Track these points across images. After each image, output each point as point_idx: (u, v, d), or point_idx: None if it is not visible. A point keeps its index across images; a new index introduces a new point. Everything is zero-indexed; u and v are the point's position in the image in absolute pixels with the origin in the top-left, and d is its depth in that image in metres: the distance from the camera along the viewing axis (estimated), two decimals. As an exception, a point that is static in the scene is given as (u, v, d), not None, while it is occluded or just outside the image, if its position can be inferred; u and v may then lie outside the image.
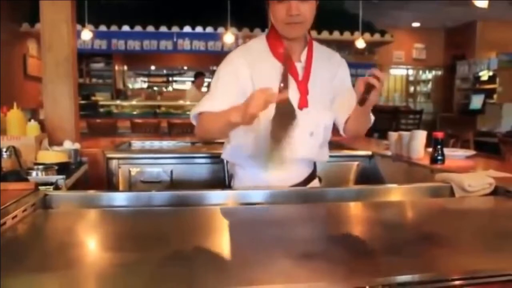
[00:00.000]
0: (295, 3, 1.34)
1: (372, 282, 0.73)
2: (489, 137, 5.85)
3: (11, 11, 6.18)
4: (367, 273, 0.80)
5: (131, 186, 2.40)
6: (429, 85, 10.67)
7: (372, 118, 1.51)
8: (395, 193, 1.49)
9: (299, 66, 1.47)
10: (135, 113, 6.85)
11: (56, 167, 1.73)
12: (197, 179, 2.43)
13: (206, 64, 8.91)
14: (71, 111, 2.58)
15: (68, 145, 2.16)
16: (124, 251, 0.91)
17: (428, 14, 8.49)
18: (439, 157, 1.92)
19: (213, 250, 0.95)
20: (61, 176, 1.66)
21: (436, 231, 1.08)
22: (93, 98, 8.00)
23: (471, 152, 2.31)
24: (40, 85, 3.25)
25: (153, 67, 10.56)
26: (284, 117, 1.22)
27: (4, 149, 1.67)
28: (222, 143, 1.66)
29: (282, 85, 1.29)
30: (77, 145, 2.20)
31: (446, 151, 2.00)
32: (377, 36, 7.64)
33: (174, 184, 2.40)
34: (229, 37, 6.62)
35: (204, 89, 7.30)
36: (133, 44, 7.20)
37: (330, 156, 1.65)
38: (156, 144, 3.13)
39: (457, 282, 0.74)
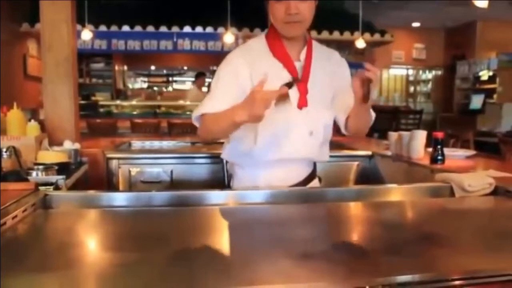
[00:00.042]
0: (294, 3, 1.35)
1: (372, 282, 0.73)
2: (489, 137, 5.84)
3: (11, 11, 6.18)
4: (367, 273, 0.80)
5: (131, 186, 2.40)
6: (429, 85, 10.67)
7: (373, 114, 1.50)
8: (395, 193, 1.49)
9: (298, 66, 1.47)
10: (135, 113, 6.85)
11: (56, 167, 1.73)
12: (197, 179, 2.43)
13: (206, 64, 8.91)
14: (71, 111, 2.58)
15: (68, 145, 2.16)
16: (124, 251, 0.91)
17: (428, 14, 8.49)
18: (439, 157, 1.92)
19: (213, 250, 0.95)
20: (61, 176, 1.66)
21: (436, 231, 1.08)
22: (93, 98, 8.00)
23: (471, 152, 2.31)
24: (40, 85, 3.25)
25: (153, 67, 10.56)
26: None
27: (4, 149, 1.66)
28: (222, 143, 1.66)
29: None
30: (77, 145, 2.20)
31: (446, 151, 2.00)
32: (377, 36, 7.63)
33: (174, 184, 2.40)
34: (229, 37, 6.62)
35: (204, 89, 7.30)
36: (133, 44, 7.20)
37: (330, 156, 1.65)
38: (156, 144, 3.13)
39: (457, 282, 0.74)
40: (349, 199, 1.42)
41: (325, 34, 7.16)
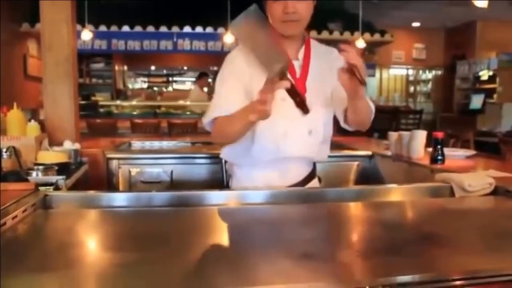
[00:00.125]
0: (291, 2, 1.35)
1: (372, 282, 0.73)
2: (489, 137, 5.84)
3: (11, 11, 6.18)
4: (367, 273, 0.80)
5: (131, 186, 2.40)
6: (429, 85, 10.67)
7: (372, 106, 1.47)
8: (395, 193, 1.49)
9: (297, 64, 1.47)
10: (135, 113, 6.85)
11: (56, 168, 1.73)
12: (197, 179, 2.43)
13: (206, 64, 8.91)
14: (71, 111, 2.58)
15: (68, 145, 2.16)
16: (124, 251, 0.91)
17: (428, 14, 8.49)
18: (439, 157, 1.92)
19: (213, 250, 0.94)
20: (61, 177, 1.66)
21: (436, 231, 1.08)
22: (93, 98, 7.99)
23: (471, 152, 2.31)
24: (40, 85, 3.25)
25: (153, 67, 10.56)
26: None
27: (4, 150, 1.67)
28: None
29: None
30: (77, 145, 2.20)
31: (446, 151, 2.00)
32: (377, 36, 7.64)
33: (174, 184, 2.40)
34: (229, 37, 6.62)
35: (206, 89, 7.31)
36: (133, 44, 7.20)
37: (330, 156, 1.65)
38: (156, 144, 3.13)
39: (457, 282, 0.74)
40: (349, 199, 1.42)
41: (325, 34, 7.16)
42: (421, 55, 10.23)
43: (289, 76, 1.40)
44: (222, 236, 1.09)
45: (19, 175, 1.50)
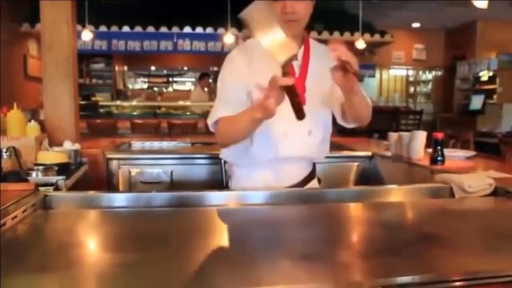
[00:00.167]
0: (290, 2, 1.35)
1: (372, 283, 0.73)
2: (489, 138, 5.84)
3: (11, 11, 6.18)
4: (367, 274, 0.80)
5: (131, 186, 2.40)
6: (429, 86, 10.66)
7: (369, 101, 1.45)
8: (395, 194, 1.49)
9: (296, 65, 1.46)
10: (135, 113, 6.85)
11: (56, 168, 1.73)
12: (197, 180, 2.43)
13: (206, 64, 8.92)
14: (71, 111, 2.58)
15: (68, 145, 2.16)
16: (124, 251, 0.91)
17: (428, 14, 8.49)
18: (439, 158, 1.92)
19: (212, 251, 0.94)
20: (61, 177, 1.66)
21: (436, 232, 1.08)
22: (93, 98, 8.00)
23: (471, 152, 2.31)
24: (40, 85, 3.25)
25: (153, 68, 10.57)
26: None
27: (4, 150, 1.67)
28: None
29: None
30: (77, 146, 2.20)
31: (446, 151, 2.00)
32: (377, 37, 7.64)
33: (174, 184, 2.40)
34: (229, 37, 6.62)
35: (206, 89, 7.32)
36: (133, 45, 7.20)
37: (330, 157, 1.65)
38: (156, 144, 3.13)
39: (457, 283, 0.74)
40: (349, 200, 1.42)
41: (325, 34, 7.16)
42: (421, 55, 10.23)
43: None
44: (222, 237, 1.09)
45: (19, 175, 1.50)
